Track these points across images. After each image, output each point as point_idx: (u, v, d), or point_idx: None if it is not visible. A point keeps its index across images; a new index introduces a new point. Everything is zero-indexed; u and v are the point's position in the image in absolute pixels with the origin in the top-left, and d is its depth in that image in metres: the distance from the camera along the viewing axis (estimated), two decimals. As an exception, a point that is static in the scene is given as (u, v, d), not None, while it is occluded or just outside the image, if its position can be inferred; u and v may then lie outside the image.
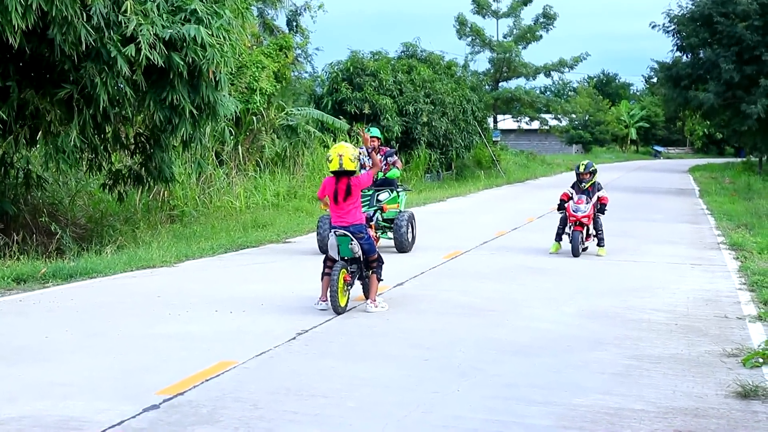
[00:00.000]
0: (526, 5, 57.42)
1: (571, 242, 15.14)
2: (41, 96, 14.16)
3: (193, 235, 17.05)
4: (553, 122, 70.32)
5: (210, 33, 14.10)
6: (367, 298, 10.20)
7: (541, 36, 58.10)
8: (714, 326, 9.59)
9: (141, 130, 16.71)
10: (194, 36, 13.79)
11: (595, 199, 15.35)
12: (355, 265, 10.09)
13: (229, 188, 22.58)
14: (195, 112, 14.79)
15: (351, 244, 9.92)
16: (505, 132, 71.48)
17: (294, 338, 8.65)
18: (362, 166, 14.11)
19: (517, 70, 58.21)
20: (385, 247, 14.75)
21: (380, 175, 15.36)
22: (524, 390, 6.94)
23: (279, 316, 9.65)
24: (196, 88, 14.64)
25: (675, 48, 42.25)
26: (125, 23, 13.31)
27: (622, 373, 7.56)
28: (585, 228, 15.31)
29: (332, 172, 10.06)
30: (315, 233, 15.58)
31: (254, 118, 25.10)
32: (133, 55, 13.29)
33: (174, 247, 15.06)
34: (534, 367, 7.66)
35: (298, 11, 36.48)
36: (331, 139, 28.50)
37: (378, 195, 15.24)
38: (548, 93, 79.40)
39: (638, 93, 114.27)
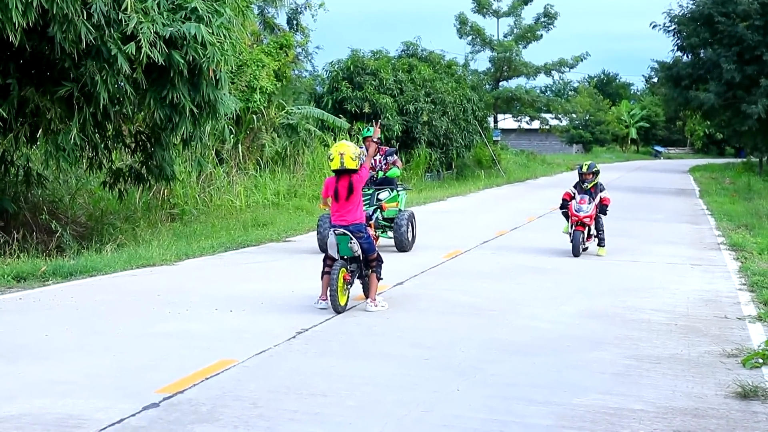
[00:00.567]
0: (526, 4, 57.37)
1: (572, 242, 15.13)
2: (41, 94, 14.16)
3: (194, 233, 17.05)
4: (553, 122, 70.30)
5: (210, 31, 14.09)
6: (366, 297, 10.20)
7: (541, 35, 58.04)
8: (714, 326, 9.59)
9: (141, 129, 16.71)
10: (195, 34, 13.78)
11: (597, 199, 15.34)
12: (354, 264, 10.09)
13: (229, 187, 22.58)
14: (195, 110, 14.78)
15: (350, 243, 9.91)
16: (506, 131, 71.44)
17: (294, 337, 8.65)
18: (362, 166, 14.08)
19: (518, 70, 58.16)
20: (385, 247, 14.74)
21: (380, 174, 15.36)
22: (524, 389, 6.94)
23: (279, 315, 9.65)
24: (197, 86, 14.63)
25: (675, 48, 42.20)
26: (126, 21, 13.30)
27: (622, 373, 7.56)
28: (587, 228, 15.31)
29: (333, 171, 10.05)
30: (315, 232, 15.58)
31: (254, 116, 25.10)
32: (134, 53, 13.29)
33: (174, 245, 15.06)
34: (534, 367, 7.66)
35: (299, 9, 36.45)
36: (332, 138, 28.49)
37: (378, 194, 15.23)
38: (549, 92, 79.49)
39: (639, 93, 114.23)
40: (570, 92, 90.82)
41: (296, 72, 34.70)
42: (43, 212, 15.70)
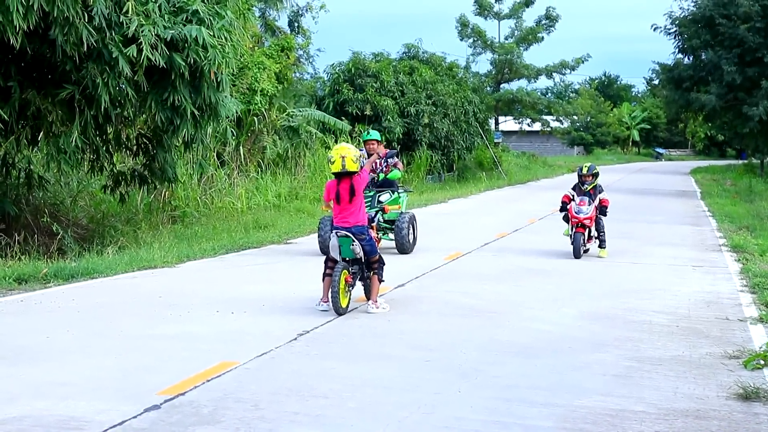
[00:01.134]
0: (528, 6, 57.44)
1: (572, 244, 15.13)
2: (43, 96, 14.17)
3: (195, 235, 17.06)
4: (554, 124, 70.28)
5: (211, 34, 14.10)
6: (368, 299, 10.20)
7: (542, 37, 58.04)
8: (715, 328, 9.59)
9: (143, 131, 16.72)
10: (196, 37, 13.78)
11: (597, 201, 15.35)
12: (356, 266, 10.08)
13: (230, 189, 22.58)
14: (196, 112, 14.79)
15: (352, 245, 9.91)
16: (507, 133, 71.46)
17: (295, 339, 8.65)
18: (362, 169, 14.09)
19: (519, 72, 58.18)
20: (386, 249, 14.74)
21: (381, 176, 15.36)
22: (525, 391, 6.94)
23: (280, 317, 9.65)
24: (198, 88, 14.64)
25: (676, 50, 42.22)
26: (127, 24, 13.31)
27: (623, 374, 7.56)
28: (587, 230, 15.30)
29: (334, 174, 10.05)
30: (316, 234, 15.59)
31: (256, 119, 25.10)
32: (135, 55, 13.29)
33: (175, 247, 15.06)
34: (535, 369, 7.65)
35: (300, 12, 36.52)
36: (333, 140, 28.50)
37: (379, 196, 15.23)
38: (550, 95, 79.36)
39: (640, 95, 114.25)
40: (571, 94, 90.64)
41: (297, 74, 34.78)
42: (45, 214, 15.71)
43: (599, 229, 15.49)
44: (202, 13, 14.11)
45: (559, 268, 13.93)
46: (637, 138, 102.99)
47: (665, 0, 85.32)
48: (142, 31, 13.29)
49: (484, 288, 11.92)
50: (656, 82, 51.32)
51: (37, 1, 12.12)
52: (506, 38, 58.30)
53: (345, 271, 9.83)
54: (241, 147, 24.45)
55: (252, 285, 11.86)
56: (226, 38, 14.66)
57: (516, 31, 58.28)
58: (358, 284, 10.28)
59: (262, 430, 5.95)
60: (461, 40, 57.48)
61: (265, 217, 20.27)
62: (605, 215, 15.57)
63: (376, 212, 14.92)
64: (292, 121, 26.90)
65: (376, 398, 6.69)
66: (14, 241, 14.41)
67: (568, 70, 59.42)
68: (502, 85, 59.40)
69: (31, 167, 16.24)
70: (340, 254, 9.94)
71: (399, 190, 15.78)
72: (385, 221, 15.34)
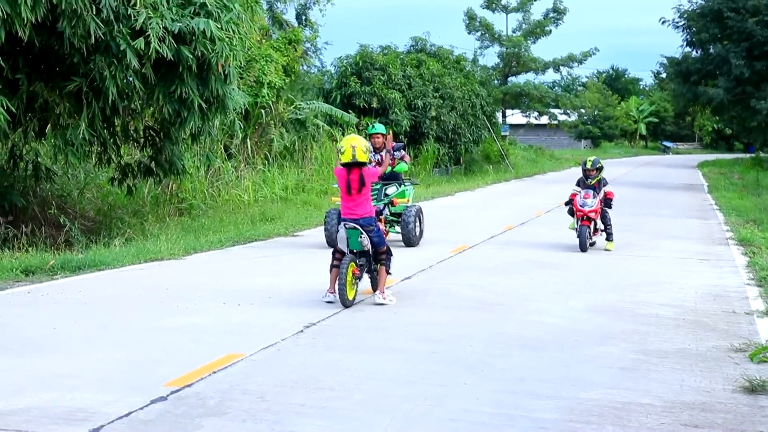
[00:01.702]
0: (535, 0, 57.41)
1: (578, 237, 15.12)
2: (50, 89, 14.20)
3: (202, 228, 17.09)
4: (562, 117, 70.22)
5: (219, 26, 14.10)
6: (375, 290, 10.20)
7: (550, 31, 58.01)
8: (722, 321, 9.57)
9: (150, 124, 16.73)
10: (203, 29, 13.78)
11: (601, 194, 15.32)
12: (363, 259, 10.09)
13: (237, 181, 22.61)
14: (204, 105, 14.81)
15: (360, 236, 9.92)
16: (514, 127, 71.38)
17: (301, 331, 8.66)
18: (369, 162, 14.11)
19: (526, 65, 58.15)
20: (392, 241, 14.72)
21: (388, 169, 15.36)
22: (532, 384, 6.94)
23: (287, 309, 9.67)
24: (205, 81, 14.64)
25: (685, 43, 42.10)
26: (134, 16, 13.31)
27: (630, 367, 7.55)
28: (593, 223, 15.28)
29: (343, 164, 10.05)
30: (323, 227, 15.59)
31: (263, 111, 25.12)
32: (143, 48, 13.31)
33: (182, 239, 15.09)
34: (541, 361, 7.65)
35: (307, 5, 36.51)
36: (340, 133, 28.51)
37: (386, 189, 15.24)
38: (557, 88, 79.16)
39: (647, 88, 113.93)
40: (579, 87, 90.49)
41: (305, 67, 34.79)
42: (52, 206, 15.75)
43: (606, 222, 15.46)
44: (210, 6, 14.12)
45: (565, 261, 13.92)
46: (645, 131, 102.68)
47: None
48: (150, 24, 13.30)
49: (490, 281, 11.92)
50: (664, 75, 51.33)
51: (44, -7, 12.15)
52: (514, 31, 58.28)
53: (353, 263, 9.84)
54: (248, 140, 24.48)
55: (258, 277, 11.87)
56: (233, 31, 14.67)
57: (524, 24, 58.25)
58: (365, 277, 10.29)
59: (268, 421, 5.96)
60: (469, 33, 57.55)
61: (271, 210, 20.29)
62: (610, 208, 15.55)
63: (385, 205, 14.93)
64: (300, 113, 26.91)
65: (382, 390, 6.70)
66: (21, 232, 14.45)
67: (576, 64, 59.39)
68: (509, 79, 59.37)
69: (39, 159, 16.28)
70: (348, 246, 9.95)
71: (405, 183, 15.79)
72: (392, 214, 15.35)
